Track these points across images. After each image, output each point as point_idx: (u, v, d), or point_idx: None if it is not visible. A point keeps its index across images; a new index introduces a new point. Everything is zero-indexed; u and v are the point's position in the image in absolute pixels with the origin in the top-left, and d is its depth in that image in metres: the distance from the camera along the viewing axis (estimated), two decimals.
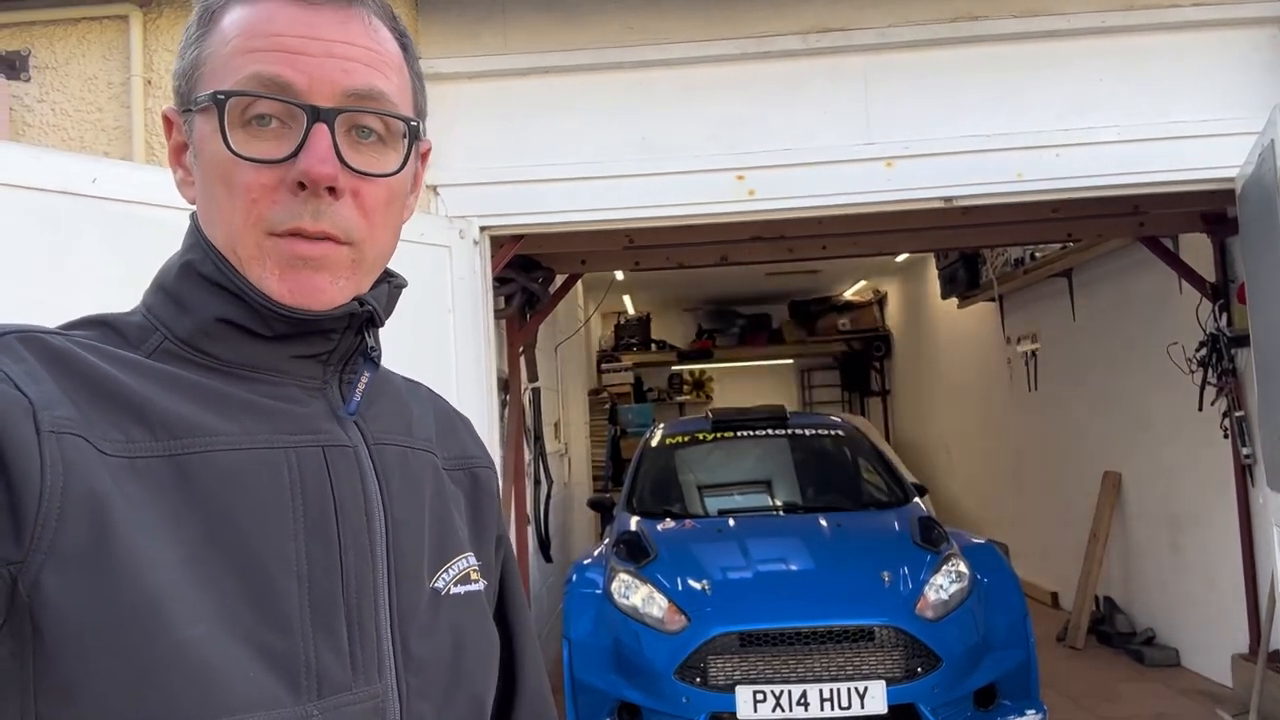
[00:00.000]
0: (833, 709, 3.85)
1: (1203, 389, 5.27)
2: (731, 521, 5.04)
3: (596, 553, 4.99)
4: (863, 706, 3.85)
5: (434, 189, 3.83)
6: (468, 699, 0.82)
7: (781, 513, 5.32)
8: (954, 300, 8.95)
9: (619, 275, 8.34)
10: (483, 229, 3.83)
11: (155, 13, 3.71)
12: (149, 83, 3.65)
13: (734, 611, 4.10)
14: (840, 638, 3.95)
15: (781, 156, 3.82)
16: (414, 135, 0.82)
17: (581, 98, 3.90)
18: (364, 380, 0.84)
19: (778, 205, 3.85)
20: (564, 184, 3.84)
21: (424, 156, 0.89)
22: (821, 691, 3.87)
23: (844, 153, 3.81)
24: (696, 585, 4.25)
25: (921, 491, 5.56)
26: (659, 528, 4.93)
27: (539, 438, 5.88)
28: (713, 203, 3.84)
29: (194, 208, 0.82)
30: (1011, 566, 4.76)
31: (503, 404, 4.87)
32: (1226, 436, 5.15)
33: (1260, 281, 3.67)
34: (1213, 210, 4.90)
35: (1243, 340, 4.73)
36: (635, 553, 4.53)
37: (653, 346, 12.27)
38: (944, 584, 4.18)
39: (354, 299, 0.80)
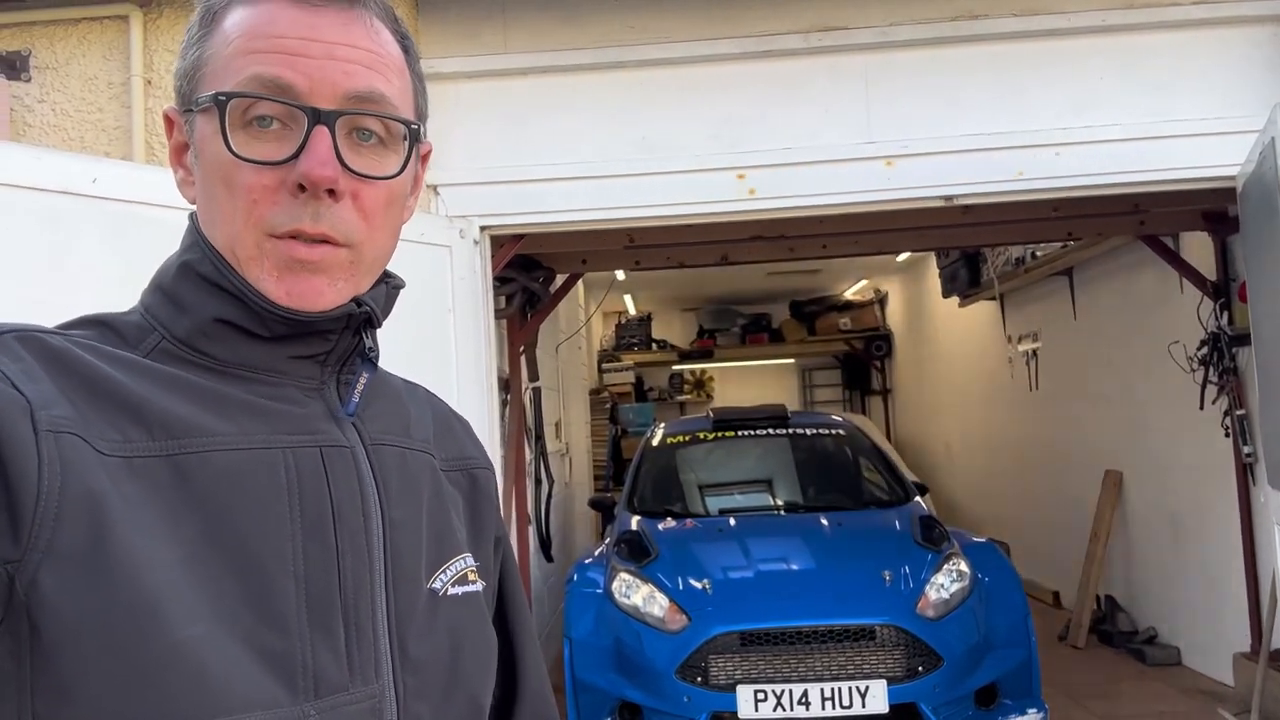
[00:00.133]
0: (834, 708, 3.85)
1: (1204, 388, 5.27)
2: (732, 521, 5.04)
3: (597, 552, 4.99)
4: (864, 706, 3.85)
5: (434, 189, 3.83)
6: (465, 699, 0.82)
7: (782, 512, 5.32)
8: (955, 299, 8.95)
9: (620, 275, 8.34)
10: (483, 229, 3.83)
11: (155, 13, 3.71)
12: (149, 83, 3.65)
13: (735, 611, 4.10)
14: (841, 637, 3.95)
15: (782, 156, 3.82)
16: (414, 138, 0.82)
17: (582, 97, 3.90)
18: (362, 381, 0.84)
19: (778, 204, 3.85)
20: (564, 183, 3.84)
21: (424, 158, 0.89)
22: (823, 691, 3.87)
23: (844, 152, 3.81)
24: (697, 585, 4.25)
25: (922, 490, 5.56)
26: (660, 527, 4.93)
27: (540, 437, 5.88)
28: (713, 202, 3.84)
29: (194, 207, 0.82)
30: (1013, 565, 4.76)
31: (503, 404, 4.87)
32: (1228, 435, 5.15)
33: (1261, 280, 3.67)
34: (1214, 208, 4.89)
35: (1244, 339, 4.73)
36: (636, 552, 4.53)
37: (654, 346, 12.28)
38: (945, 583, 4.18)
39: (352, 300, 0.80)
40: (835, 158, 3.81)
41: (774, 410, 6.00)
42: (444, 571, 0.84)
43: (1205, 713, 5.06)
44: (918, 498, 5.29)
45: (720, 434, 5.77)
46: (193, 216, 0.82)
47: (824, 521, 4.91)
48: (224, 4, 0.79)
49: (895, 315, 12.20)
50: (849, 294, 12.36)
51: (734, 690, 3.90)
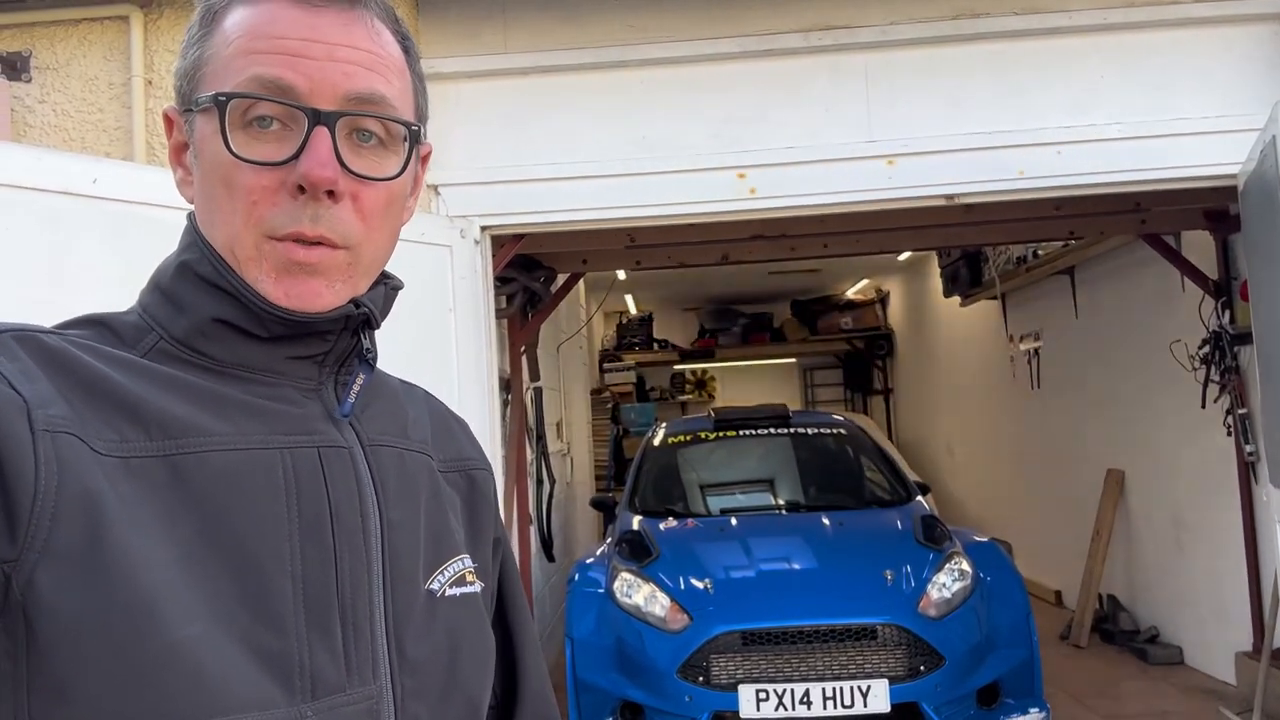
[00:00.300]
0: (835, 707, 3.85)
1: (1205, 386, 5.26)
2: (734, 520, 5.04)
3: (599, 552, 4.99)
4: (865, 705, 3.85)
5: (435, 188, 3.83)
6: (463, 701, 0.82)
7: (784, 511, 5.32)
8: (956, 298, 8.94)
9: (621, 275, 8.34)
10: (484, 228, 3.83)
11: (156, 13, 3.71)
12: (150, 83, 3.65)
13: (736, 610, 4.10)
14: (843, 636, 3.95)
15: (783, 155, 3.82)
16: (414, 139, 0.82)
17: (582, 97, 3.90)
18: (359, 382, 0.84)
19: (779, 204, 3.85)
20: (565, 183, 3.84)
21: (424, 159, 0.89)
22: (824, 690, 3.86)
23: (845, 151, 3.81)
24: (699, 584, 4.25)
25: (924, 490, 5.56)
26: (661, 527, 4.93)
27: (541, 437, 5.88)
28: (714, 201, 3.84)
29: (193, 207, 0.82)
30: (1014, 565, 4.76)
31: (505, 404, 4.87)
32: (1229, 434, 5.14)
33: (1262, 278, 3.67)
34: (1215, 207, 4.89)
35: (1245, 337, 4.72)
36: (638, 552, 4.53)
37: (655, 346, 12.28)
38: (947, 582, 4.18)
39: (350, 301, 0.80)
40: (836, 157, 3.81)
41: (775, 410, 5.99)
42: (442, 572, 0.83)
43: (1207, 712, 5.05)
44: (919, 497, 5.28)
45: (721, 434, 5.77)
46: (191, 216, 0.82)
47: (825, 521, 4.91)
48: (224, 4, 0.79)
49: (896, 315, 12.19)
50: (850, 293, 12.36)
51: (735, 690, 3.90)
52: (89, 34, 3.70)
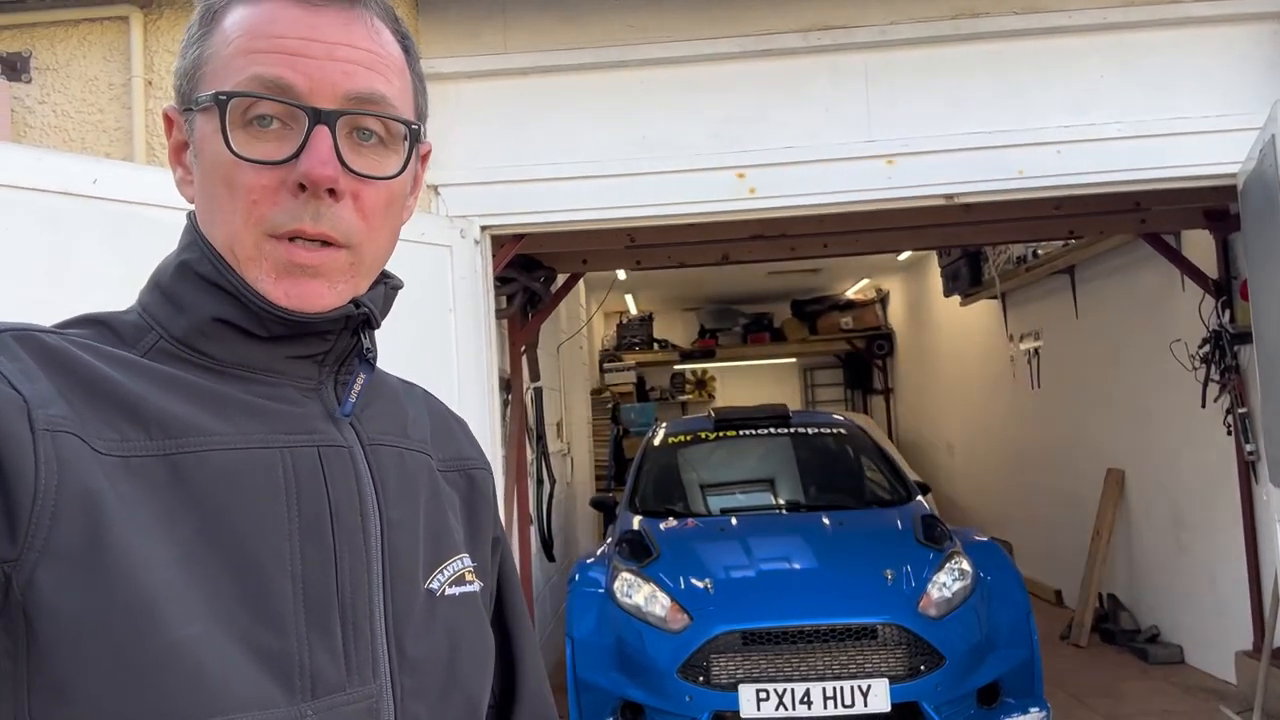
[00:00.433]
0: (836, 707, 3.84)
1: (1205, 386, 5.26)
2: (734, 520, 5.04)
3: (599, 552, 5.00)
4: (866, 705, 3.85)
5: (435, 188, 3.83)
6: (462, 700, 0.82)
7: (784, 511, 5.32)
8: (956, 298, 8.94)
9: (621, 275, 8.34)
10: (484, 228, 3.83)
11: (156, 14, 3.71)
12: (150, 84, 3.65)
13: (736, 610, 4.10)
14: (843, 636, 3.95)
15: (782, 154, 3.82)
16: (414, 138, 0.82)
17: (582, 97, 3.90)
18: (359, 381, 0.84)
19: (779, 203, 3.85)
20: (565, 183, 3.84)
21: (424, 158, 0.89)
22: (825, 690, 3.86)
23: (845, 150, 3.81)
24: (699, 584, 4.25)
25: (924, 489, 5.56)
26: (661, 527, 4.93)
27: (541, 437, 5.88)
28: (713, 201, 3.84)
29: (193, 207, 0.82)
30: (1014, 564, 4.76)
31: (505, 404, 4.87)
32: (1230, 433, 5.15)
33: (1262, 277, 3.67)
34: (1215, 206, 4.89)
35: (1245, 337, 4.72)
36: (638, 552, 4.53)
37: (655, 346, 12.28)
38: (947, 582, 4.18)
39: (350, 301, 0.80)
40: (835, 156, 3.81)
41: (775, 410, 5.99)
42: (441, 572, 0.83)
43: (1208, 711, 5.05)
44: (919, 497, 5.28)
45: (722, 434, 5.77)
46: (191, 215, 0.82)
47: (826, 521, 4.91)
48: (224, 3, 0.79)
49: (897, 314, 12.19)
50: (850, 293, 12.36)
51: (736, 689, 3.90)
52: (89, 34, 3.71)
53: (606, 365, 11.62)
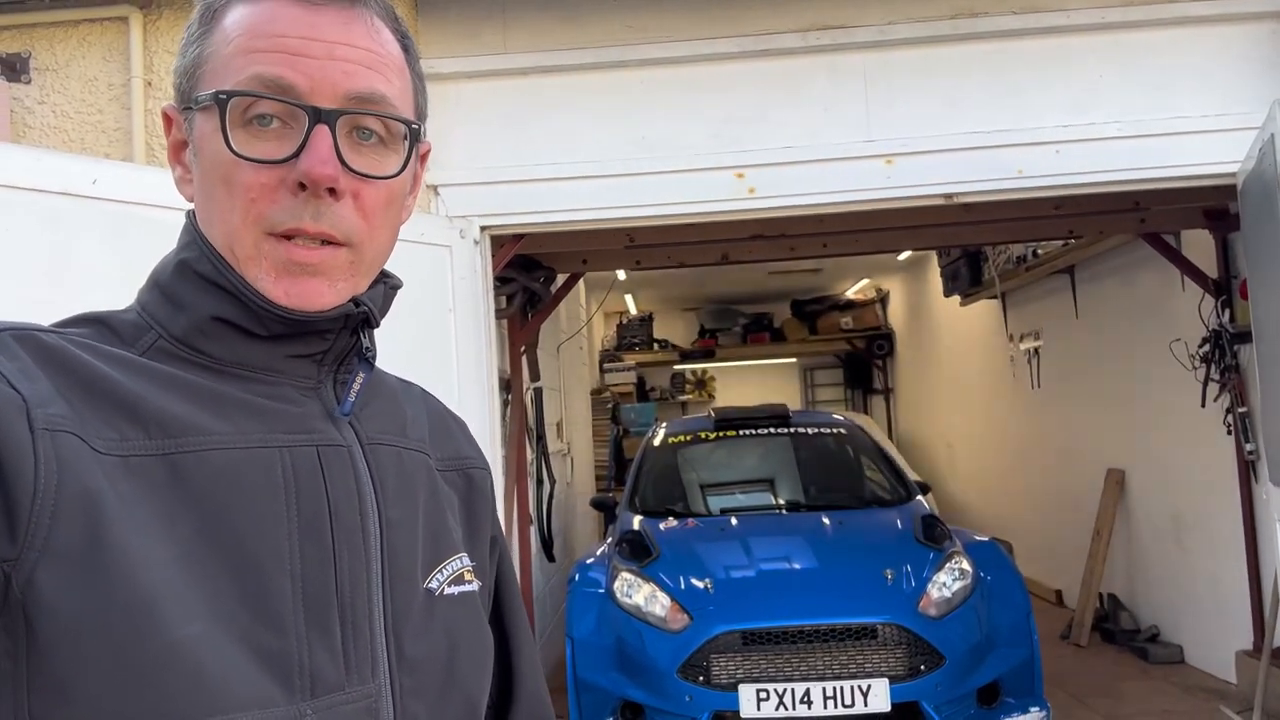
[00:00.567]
0: (836, 707, 3.85)
1: (1205, 385, 5.27)
2: (734, 520, 5.04)
3: (599, 552, 4.99)
4: (866, 704, 3.85)
5: (434, 189, 3.83)
6: (461, 699, 0.82)
7: (784, 511, 5.32)
8: (956, 298, 8.94)
9: (621, 275, 8.34)
10: (483, 228, 3.83)
11: (155, 14, 3.72)
12: (149, 84, 3.65)
13: (736, 610, 4.10)
14: (843, 636, 3.95)
15: (781, 154, 3.82)
16: (414, 137, 0.82)
17: (582, 97, 3.90)
18: (359, 381, 0.84)
19: (778, 203, 3.85)
20: (564, 183, 3.84)
21: (423, 157, 0.89)
22: (825, 690, 3.86)
23: (844, 150, 3.81)
24: (699, 584, 4.25)
25: (924, 489, 5.56)
26: (661, 527, 4.93)
27: (541, 437, 5.88)
28: (713, 201, 3.85)
29: (193, 205, 0.82)
30: (1014, 564, 4.76)
31: (505, 404, 4.87)
32: (1230, 433, 5.15)
33: (1262, 277, 3.67)
34: (1215, 206, 4.89)
35: (1245, 336, 4.72)
36: (638, 552, 4.53)
37: (655, 346, 12.28)
38: (947, 582, 4.18)
39: (350, 300, 0.80)
40: (835, 156, 3.81)
41: (775, 410, 5.99)
42: (440, 571, 0.83)
43: (1208, 711, 5.05)
44: (919, 496, 5.28)
45: (722, 433, 5.77)
46: (190, 214, 0.82)
47: (825, 520, 4.91)
48: (224, 2, 0.79)
49: (897, 314, 12.20)
50: (850, 293, 12.36)
51: (736, 689, 3.90)
52: (88, 35, 3.71)
53: (606, 365, 11.62)
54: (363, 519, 0.78)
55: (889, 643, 3.96)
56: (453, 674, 0.81)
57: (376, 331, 0.85)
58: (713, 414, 6.12)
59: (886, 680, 3.88)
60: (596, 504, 6.48)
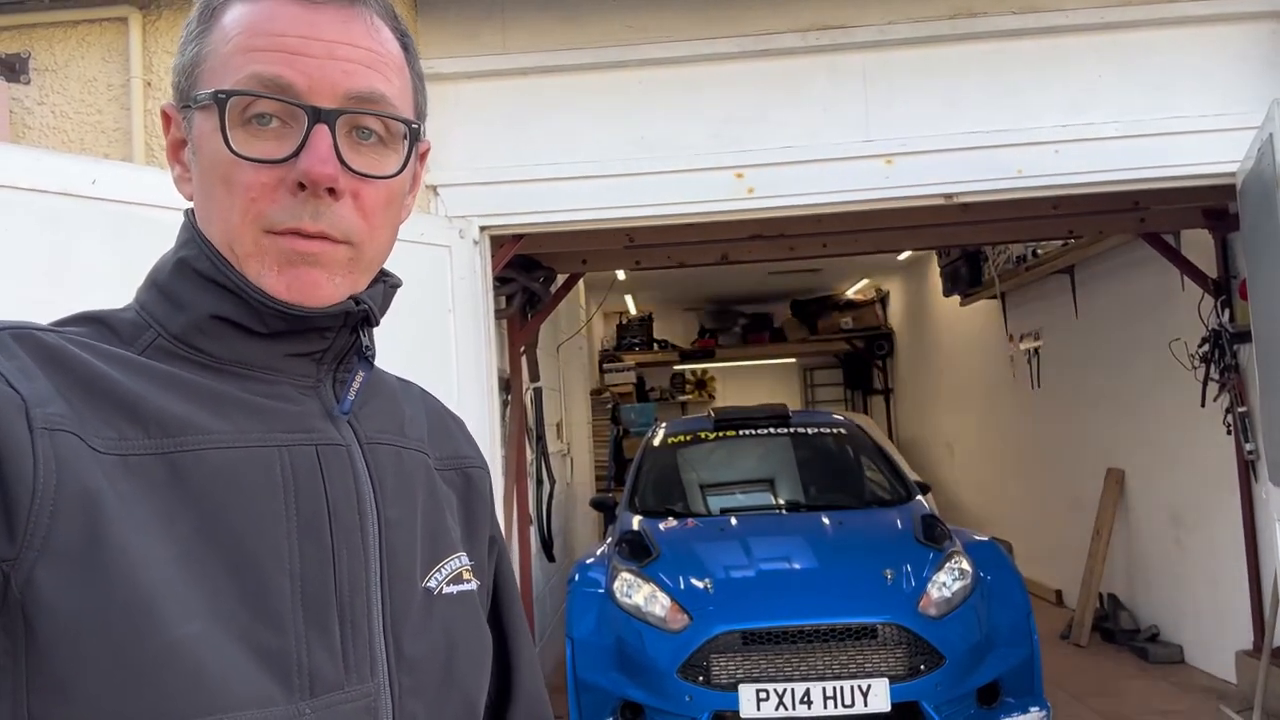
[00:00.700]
0: (836, 707, 3.84)
1: (1205, 385, 5.27)
2: (734, 520, 5.04)
3: (599, 552, 4.99)
4: (866, 704, 3.85)
5: (434, 189, 3.83)
6: (460, 698, 0.82)
7: (784, 511, 5.32)
8: (956, 298, 8.94)
9: (620, 275, 8.34)
10: (482, 229, 3.83)
11: (154, 15, 3.72)
12: (148, 85, 3.65)
13: (736, 610, 4.10)
14: (843, 635, 3.95)
15: (781, 154, 3.83)
16: (414, 137, 0.82)
17: (581, 97, 3.91)
18: (358, 379, 0.83)
19: (777, 203, 3.85)
20: (564, 183, 3.85)
21: (423, 156, 0.89)
22: (825, 689, 3.86)
23: (843, 150, 3.81)
24: (699, 584, 4.25)
25: (924, 489, 5.56)
26: (661, 527, 4.93)
27: (541, 438, 5.88)
28: (712, 201, 3.85)
29: (192, 204, 0.82)
30: (1014, 564, 4.76)
31: (504, 404, 4.87)
32: (1229, 432, 5.15)
33: (1261, 277, 3.67)
34: (1214, 206, 4.89)
35: (1245, 336, 4.72)
36: (638, 552, 4.53)
37: (655, 346, 12.28)
38: (947, 581, 4.18)
39: (349, 298, 0.80)
40: (834, 156, 3.81)
41: (775, 410, 5.99)
42: (439, 570, 0.83)
43: (1208, 710, 5.05)
44: (919, 496, 5.28)
45: (721, 433, 5.77)
46: (189, 213, 0.82)
47: (825, 520, 4.91)
48: (223, 0, 0.79)
49: (896, 314, 12.20)
50: (850, 293, 12.36)
51: (736, 689, 3.90)
52: (88, 35, 3.71)
53: (606, 365, 11.62)
54: (361, 518, 0.78)
55: (889, 642, 3.96)
56: (451, 673, 0.81)
57: (376, 332, 0.85)
58: (712, 414, 6.12)
59: (886, 680, 3.88)
60: (596, 504, 6.48)
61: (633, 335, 12.16)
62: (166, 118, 0.83)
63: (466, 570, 0.86)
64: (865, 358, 12.69)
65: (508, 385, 5.08)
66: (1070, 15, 3.79)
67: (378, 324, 0.84)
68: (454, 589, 0.84)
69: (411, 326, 3.03)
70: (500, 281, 4.61)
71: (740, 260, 5.72)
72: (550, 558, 6.05)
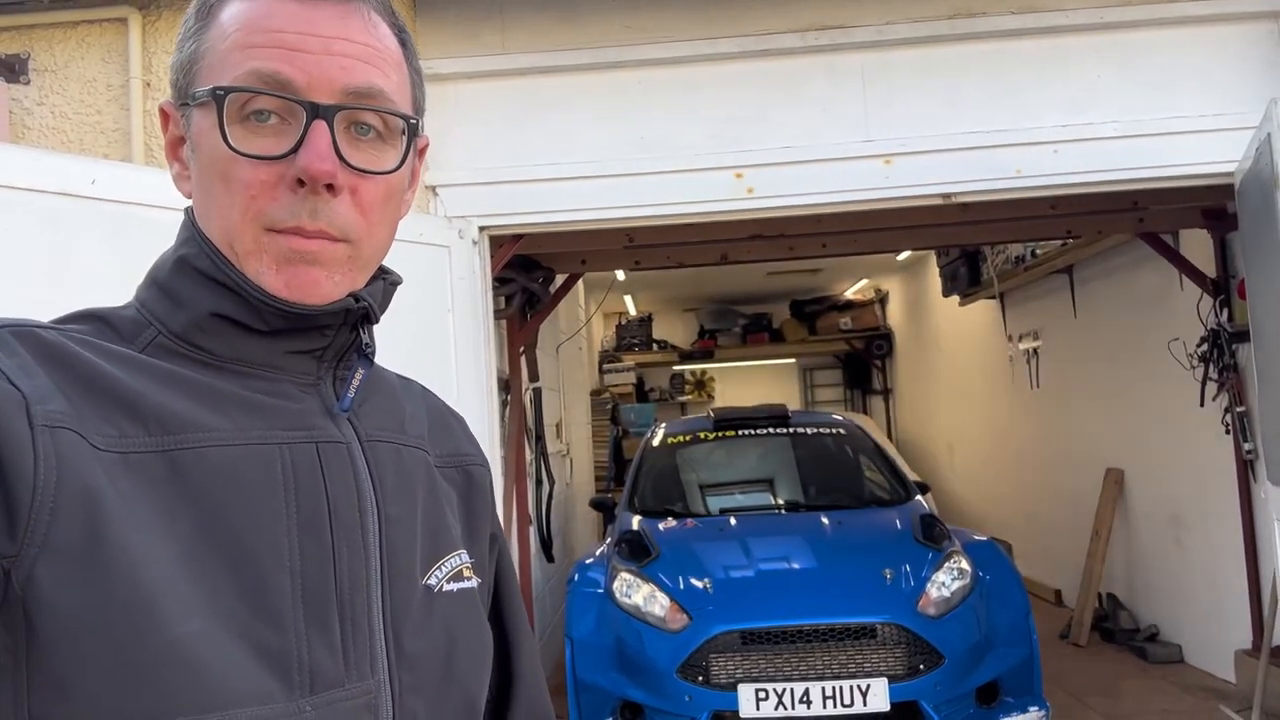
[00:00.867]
0: (835, 706, 3.85)
1: (1204, 385, 5.27)
2: (733, 520, 5.04)
3: (599, 552, 4.99)
4: (865, 704, 3.85)
5: (433, 189, 3.83)
6: (460, 695, 0.82)
7: (783, 511, 5.32)
8: (955, 298, 8.94)
9: (620, 275, 8.34)
10: (482, 229, 3.83)
11: (154, 15, 3.72)
12: (148, 85, 3.66)
13: (736, 610, 4.10)
14: (842, 635, 3.95)
15: (780, 154, 3.83)
16: (412, 132, 0.82)
17: (580, 97, 3.91)
18: (358, 377, 0.83)
19: (777, 203, 3.85)
20: (563, 183, 3.85)
21: (421, 152, 0.89)
22: (824, 689, 3.86)
23: (842, 150, 3.81)
24: (698, 584, 4.26)
25: (923, 489, 5.56)
26: (661, 527, 4.93)
27: (540, 438, 5.88)
28: (712, 201, 3.85)
29: (190, 202, 0.82)
30: (1013, 564, 4.76)
31: (504, 404, 4.88)
32: (1228, 432, 5.15)
33: (1259, 276, 3.67)
34: (1213, 205, 4.90)
35: (1243, 335, 4.72)
36: (637, 552, 4.53)
37: (654, 346, 12.28)
38: (946, 581, 4.18)
39: (349, 295, 0.80)
40: (833, 156, 3.81)
41: (774, 410, 5.99)
42: (439, 568, 0.83)
43: (1207, 710, 5.05)
44: (919, 496, 5.28)
45: (721, 434, 5.77)
46: (188, 211, 0.82)
47: (825, 520, 4.91)
48: None
49: (896, 314, 12.20)
50: (849, 293, 12.36)
51: (735, 689, 3.90)
52: (87, 36, 3.71)
53: (606, 366, 11.62)
54: (362, 516, 0.78)
55: (888, 642, 3.96)
56: (452, 670, 0.81)
57: (375, 332, 0.85)
58: (712, 414, 6.12)
59: (886, 680, 3.88)
60: (596, 504, 6.48)
61: (632, 335, 12.16)
62: (165, 115, 0.84)
63: (467, 568, 0.86)
64: (864, 358, 12.69)
65: (507, 385, 5.08)
66: (1069, 15, 3.79)
67: (378, 321, 0.85)
68: (454, 586, 0.84)
69: (411, 326, 3.03)
70: (500, 282, 4.62)
71: (740, 260, 5.72)
72: (549, 558, 6.05)
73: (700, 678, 3.97)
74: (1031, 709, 4.12)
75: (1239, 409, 5.02)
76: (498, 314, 4.72)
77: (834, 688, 3.86)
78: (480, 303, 3.73)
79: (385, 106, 0.79)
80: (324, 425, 0.79)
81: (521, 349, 5.50)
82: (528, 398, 5.57)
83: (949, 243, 6.98)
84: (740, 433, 5.76)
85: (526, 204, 3.85)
